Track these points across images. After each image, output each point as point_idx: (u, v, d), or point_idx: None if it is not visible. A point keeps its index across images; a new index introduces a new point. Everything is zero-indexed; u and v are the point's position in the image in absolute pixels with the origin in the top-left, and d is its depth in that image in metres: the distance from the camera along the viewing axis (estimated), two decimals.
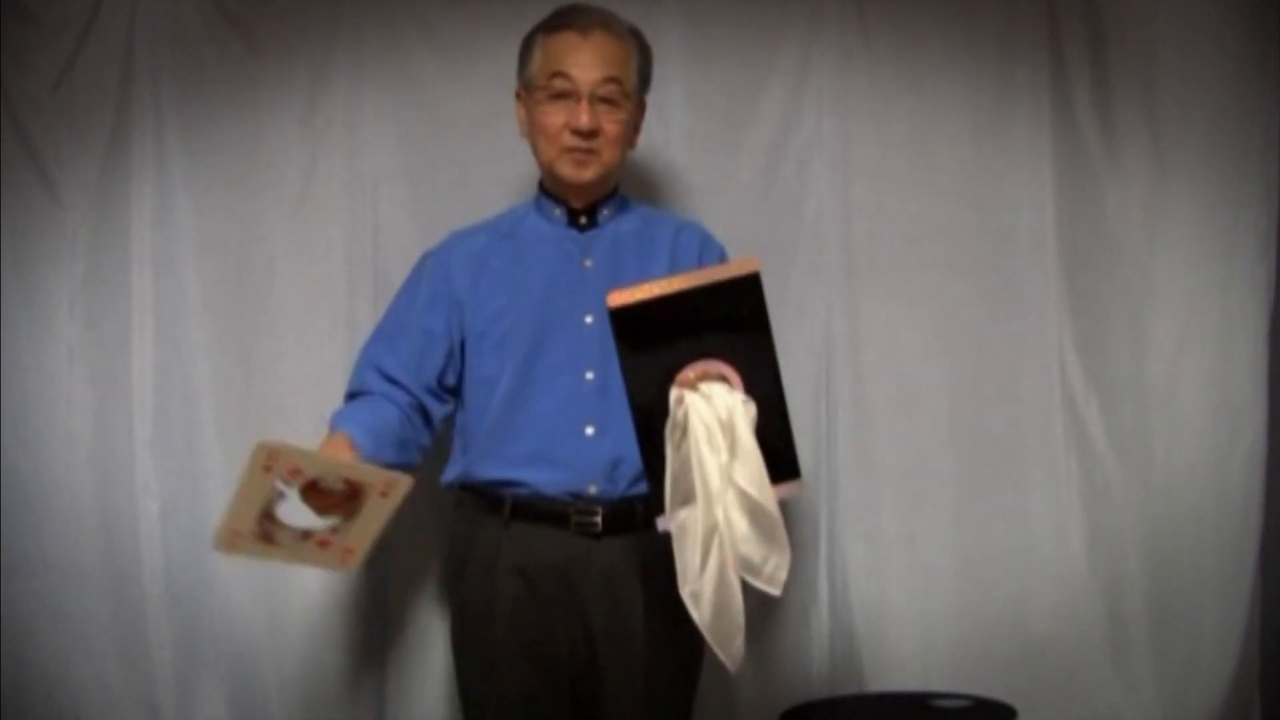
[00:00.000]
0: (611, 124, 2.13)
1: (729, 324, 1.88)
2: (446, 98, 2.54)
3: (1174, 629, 2.59)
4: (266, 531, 1.93)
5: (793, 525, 2.61)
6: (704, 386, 1.86)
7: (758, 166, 2.60)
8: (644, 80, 2.21)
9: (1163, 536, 2.59)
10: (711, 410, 1.85)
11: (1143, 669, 2.59)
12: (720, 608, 1.86)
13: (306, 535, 1.95)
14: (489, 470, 2.17)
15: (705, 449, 1.84)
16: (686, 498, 1.86)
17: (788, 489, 1.92)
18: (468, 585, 2.21)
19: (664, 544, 2.07)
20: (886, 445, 2.61)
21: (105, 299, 2.51)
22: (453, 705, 2.47)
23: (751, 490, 1.84)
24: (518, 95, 2.21)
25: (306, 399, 2.53)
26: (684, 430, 1.85)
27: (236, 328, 2.52)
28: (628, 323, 1.86)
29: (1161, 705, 2.58)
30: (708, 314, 1.87)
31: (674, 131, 2.53)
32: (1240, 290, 2.60)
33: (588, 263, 2.17)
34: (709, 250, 2.23)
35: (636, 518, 2.11)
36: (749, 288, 1.87)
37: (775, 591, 1.87)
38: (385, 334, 2.27)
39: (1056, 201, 2.60)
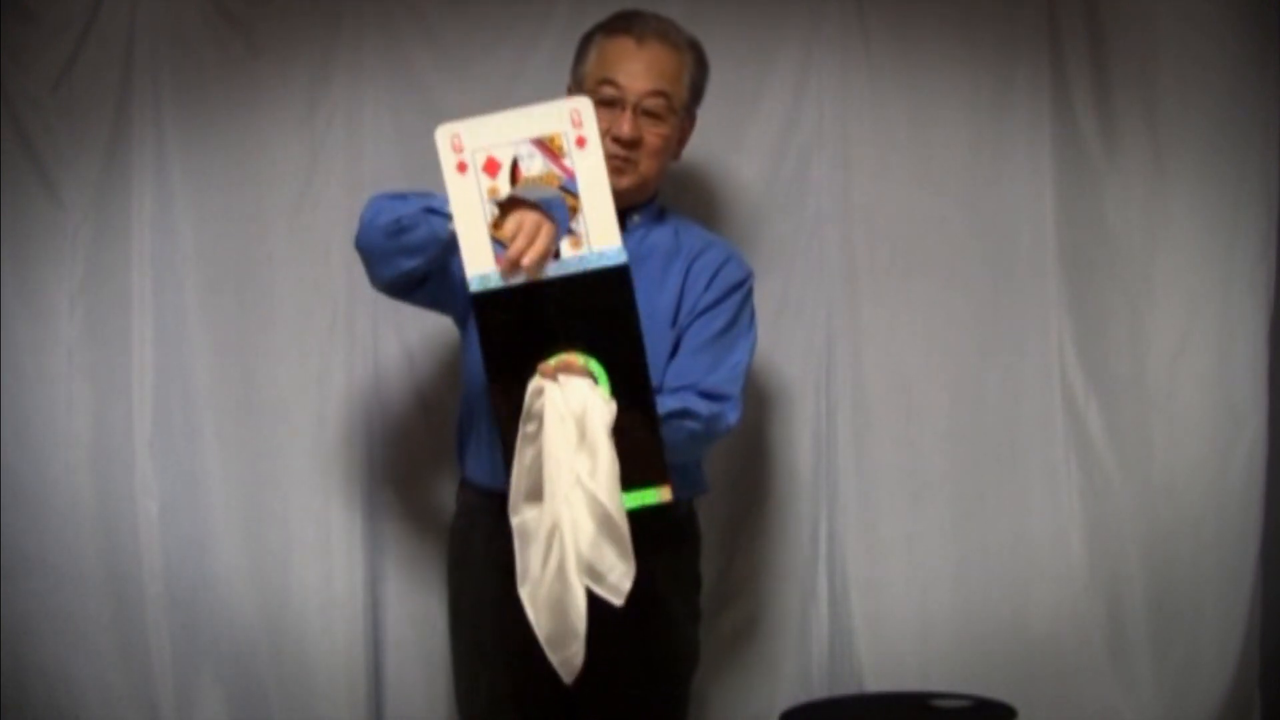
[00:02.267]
0: (653, 136, 2.11)
1: (597, 316, 1.80)
2: (446, 98, 2.53)
3: (1174, 629, 2.59)
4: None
5: (793, 525, 2.63)
6: (563, 378, 1.78)
7: (758, 166, 2.60)
8: (696, 95, 2.18)
9: (1163, 536, 2.59)
10: (568, 404, 1.76)
11: (1143, 669, 2.59)
12: (557, 610, 1.77)
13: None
14: (481, 476, 2.17)
15: (558, 444, 1.75)
16: (533, 493, 1.78)
17: (651, 495, 1.82)
18: (461, 579, 2.22)
19: (653, 544, 2.07)
20: (886, 445, 2.60)
21: (105, 299, 2.52)
22: (451, 703, 2.48)
23: (601, 495, 1.75)
24: (569, 90, 2.18)
25: (306, 399, 2.53)
26: (539, 421, 1.77)
27: (236, 328, 2.53)
28: (490, 307, 1.79)
29: (1161, 705, 2.58)
30: (575, 303, 1.80)
31: None
32: (1240, 290, 2.60)
33: None
34: (729, 267, 2.17)
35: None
36: (617, 281, 1.79)
37: (618, 601, 1.77)
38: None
39: (1056, 201, 2.59)
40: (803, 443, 2.62)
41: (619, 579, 1.78)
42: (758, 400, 2.56)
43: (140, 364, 2.51)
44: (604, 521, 1.76)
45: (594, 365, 1.80)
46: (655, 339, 2.05)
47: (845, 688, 2.57)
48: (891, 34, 2.59)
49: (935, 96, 2.59)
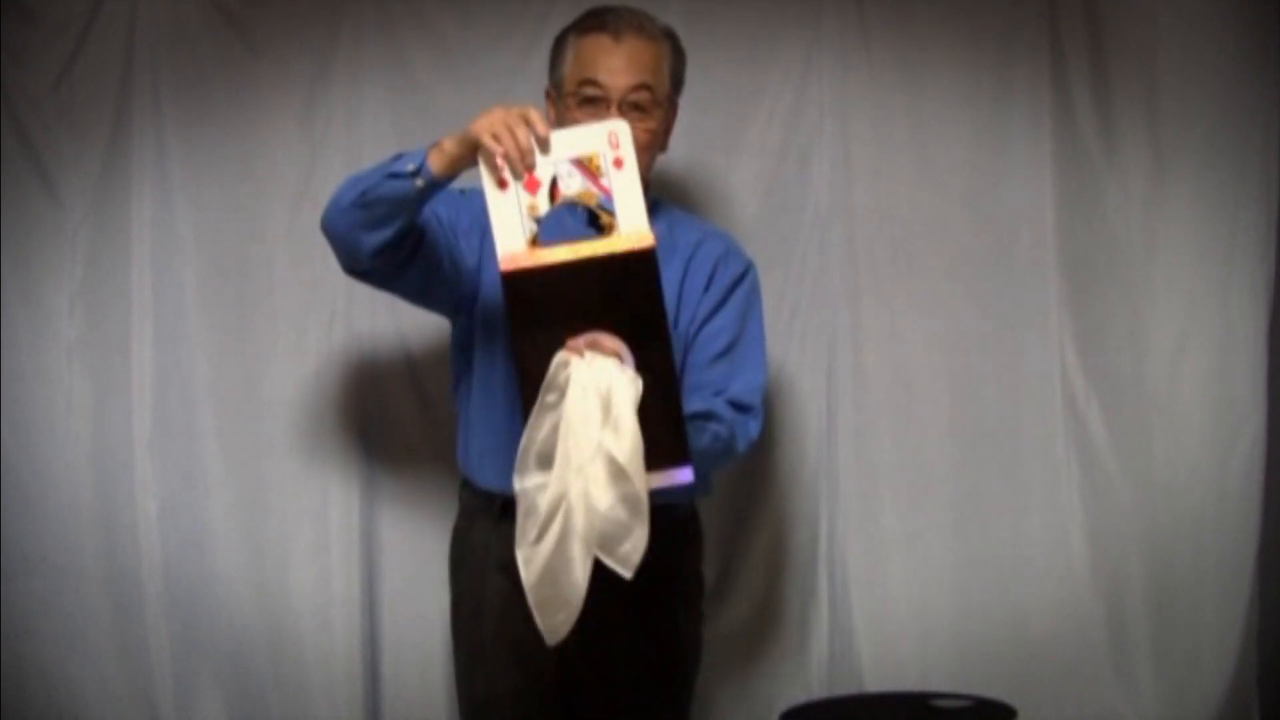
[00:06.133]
0: (641, 132, 2.06)
1: (623, 299, 1.85)
2: (445, 98, 2.54)
3: (1174, 629, 2.59)
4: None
5: (793, 525, 2.63)
6: (590, 355, 1.81)
7: (758, 166, 2.60)
8: (677, 84, 2.16)
9: (1163, 536, 2.59)
10: (593, 379, 1.78)
11: (1143, 669, 2.59)
12: (550, 577, 1.79)
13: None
14: (483, 476, 2.16)
15: (579, 417, 1.77)
16: (543, 461, 1.80)
17: (671, 475, 1.85)
18: (462, 580, 2.21)
19: (659, 549, 2.06)
20: (886, 445, 2.61)
21: (105, 299, 2.52)
22: (449, 703, 2.48)
23: (628, 467, 1.76)
24: (548, 94, 2.17)
25: (305, 399, 2.54)
26: (561, 393, 1.79)
27: (236, 328, 2.53)
28: (520, 289, 1.83)
29: (1161, 705, 2.58)
30: (602, 287, 1.84)
31: (674, 131, 2.52)
32: (1240, 290, 2.60)
33: None
34: (727, 261, 2.16)
35: None
36: (642, 264, 1.84)
37: (627, 573, 1.79)
38: None
39: (1056, 201, 2.60)
40: (803, 442, 2.62)
41: (630, 550, 1.79)
42: None
43: (140, 364, 2.51)
44: (622, 493, 1.77)
45: (622, 346, 1.83)
46: None
47: (845, 688, 2.57)
48: (892, 34, 2.59)
49: (935, 96, 2.59)
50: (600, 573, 2.03)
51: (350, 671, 2.51)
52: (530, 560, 1.79)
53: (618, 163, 1.87)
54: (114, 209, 2.52)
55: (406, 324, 2.51)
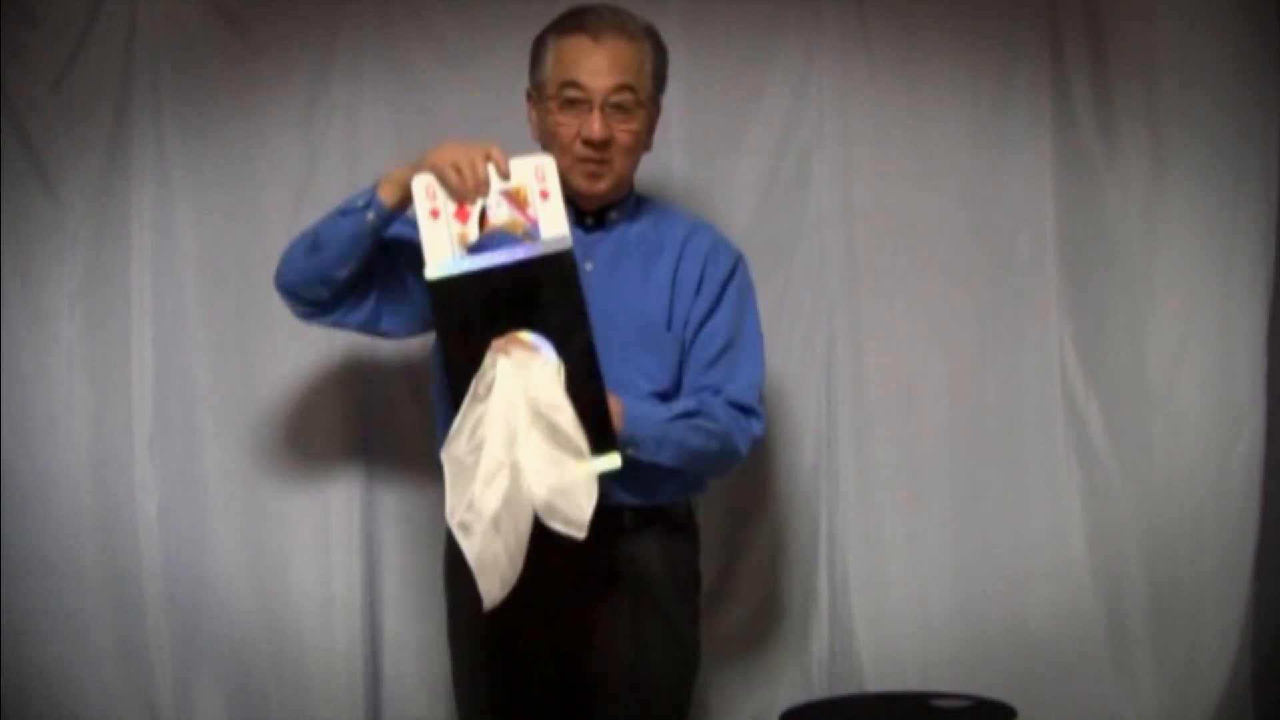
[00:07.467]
0: (624, 133, 2.06)
1: (544, 298, 1.92)
2: (445, 98, 2.54)
3: (1174, 629, 2.59)
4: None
5: (793, 525, 2.63)
6: (514, 350, 1.88)
7: (758, 166, 2.60)
8: (659, 83, 2.14)
9: (1163, 536, 2.59)
10: (517, 370, 1.86)
11: (1143, 669, 2.59)
12: (492, 543, 1.84)
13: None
14: None
15: (507, 405, 1.85)
16: (476, 445, 1.85)
17: (602, 462, 1.89)
18: (458, 587, 2.20)
19: (655, 546, 2.07)
20: (886, 445, 2.61)
21: (105, 299, 2.52)
22: (449, 704, 2.48)
23: (567, 430, 1.85)
24: (529, 96, 2.15)
25: (305, 398, 2.54)
26: (489, 387, 1.86)
27: (236, 328, 2.53)
28: (446, 296, 1.92)
29: (1161, 705, 2.58)
30: (524, 287, 1.92)
31: (674, 131, 2.53)
32: (1240, 290, 2.60)
33: (588, 266, 2.12)
34: (716, 258, 2.15)
35: (625, 523, 2.09)
36: (561, 265, 1.93)
37: (579, 535, 1.84)
38: None
39: (1056, 201, 2.60)
40: (803, 442, 2.62)
41: (577, 515, 1.84)
42: None
43: (140, 364, 2.51)
44: (567, 461, 1.84)
45: (543, 342, 1.91)
46: (648, 342, 2.07)
47: (845, 688, 2.57)
48: (892, 34, 2.59)
49: (935, 96, 2.60)
50: (599, 571, 2.04)
51: (350, 671, 2.51)
52: (468, 526, 1.84)
53: (544, 194, 1.96)
54: (114, 209, 2.52)
55: None
